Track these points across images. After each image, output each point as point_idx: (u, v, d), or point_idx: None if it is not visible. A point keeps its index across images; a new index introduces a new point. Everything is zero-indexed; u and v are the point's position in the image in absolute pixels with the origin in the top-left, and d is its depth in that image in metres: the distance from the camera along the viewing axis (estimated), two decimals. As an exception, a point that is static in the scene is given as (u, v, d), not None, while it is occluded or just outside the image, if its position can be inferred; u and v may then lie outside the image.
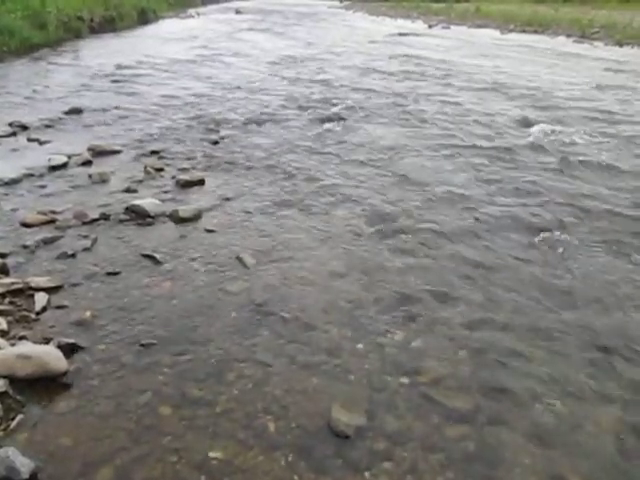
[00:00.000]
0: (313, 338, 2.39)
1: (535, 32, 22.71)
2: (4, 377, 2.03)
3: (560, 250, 3.29)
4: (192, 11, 30.13)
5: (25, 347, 2.19)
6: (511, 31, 23.47)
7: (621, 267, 3.13)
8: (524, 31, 23.27)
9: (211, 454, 1.80)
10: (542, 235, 3.46)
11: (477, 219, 3.67)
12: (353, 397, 2.07)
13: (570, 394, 2.14)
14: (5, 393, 1.98)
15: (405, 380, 2.18)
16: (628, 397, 2.14)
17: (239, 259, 3.02)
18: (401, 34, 19.60)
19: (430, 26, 25.70)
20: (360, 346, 2.36)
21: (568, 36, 20.91)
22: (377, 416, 1.99)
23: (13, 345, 2.23)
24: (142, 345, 2.29)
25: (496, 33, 22.63)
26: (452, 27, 25.50)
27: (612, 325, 2.57)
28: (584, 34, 20.70)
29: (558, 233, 3.48)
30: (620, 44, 18.02)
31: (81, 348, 2.26)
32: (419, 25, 26.76)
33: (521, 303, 2.73)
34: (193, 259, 3.02)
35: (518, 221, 3.66)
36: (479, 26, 26.32)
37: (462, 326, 2.52)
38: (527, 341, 2.45)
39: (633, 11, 25.67)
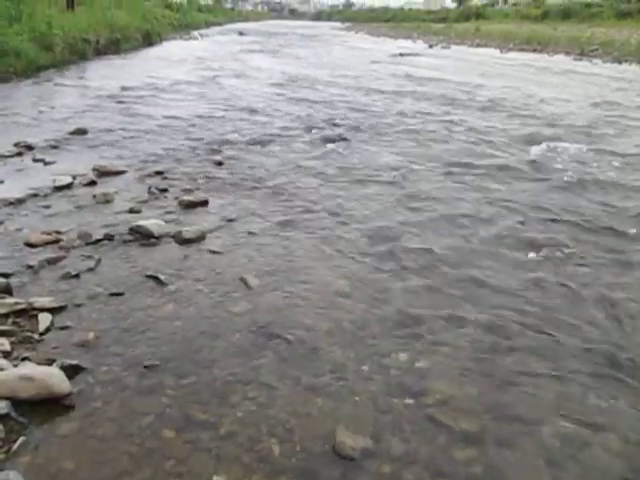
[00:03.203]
0: (317, 359, 2.38)
1: (534, 50, 23.00)
2: (7, 399, 2.02)
3: (565, 269, 3.28)
4: (195, 33, 30.60)
5: (28, 368, 2.17)
6: (510, 50, 23.77)
7: (627, 285, 3.11)
8: (523, 50, 23.57)
9: (215, 478, 1.77)
10: (547, 254, 3.45)
11: (481, 239, 3.67)
12: (358, 419, 2.05)
13: (579, 415, 2.12)
14: (7, 415, 1.97)
15: (410, 401, 2.16)
16: (638, 418, 2.11)
17: (243, 280, 3.01)
18: (402, 54, 19.84)
19: (431, 46, 26.07)
20: (365, 367, 2.34)
21: (567, 54, 21.16)
22: (383, 438, 1.97)
23: (16, 366, 2.22)
24: (145, 367, 2.28)
25: (496, 52, 22.91)
26: (452, 47, 25.84)
27: (621, 344, 2.55)
28: (583, 52, 20.94)
29: (563, 252, 3.47)
30: (619, 61, 18.21)
31: (84, 369, 2.24)
32: (420, 45, 27.12)
33: (527, 323, 2.71)
34: (197, 280, 3.02)
35: (523, 240, 3.66)
36: (479, 45, 26.69)
37: (467, 347, 2.51)
38: (534, 362, 2.42)
39: (630, 28, 25.95)
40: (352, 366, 2.35)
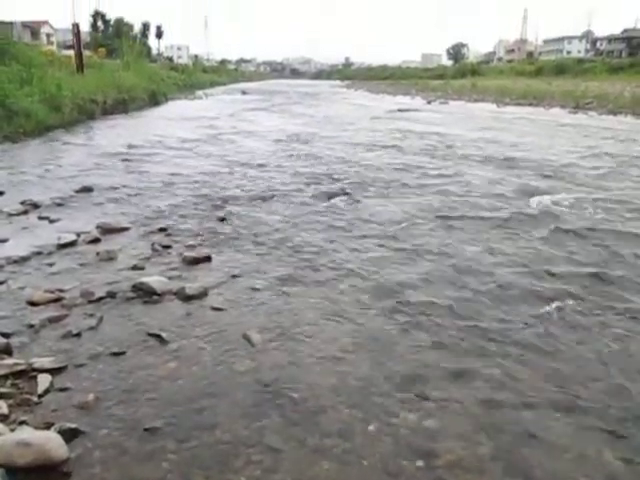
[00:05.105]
0: (323, 420, 2.31)
1: (530, 104, 23.61)
2: (1, 466, 1.95)
3: (573, 320, 3.23)
4: (200, 93, 31.60)
5: (25, 433, 2.12)
6: (507, 104, 24.41)
7: (636, 334, 3.06)
8: (519, 104, 24.21)
9: None
10: (554, 305, 3.41)
11: (487, 292, 3.63)
12: (367, 484, 1.97)
13: (598, 475, 2.03)
14: (2, 484, 1.90)
15: (420, 463, 2.08)
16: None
17: (246, 337, 2.96)
18: (401, 110, 20.36)
19: (429, 102, 26.80)
20: (372, 428, 2.27)
21: (562, 107, 21.71)
22: (393, 505, 1.88)
23: (13, 430, 2.16)
24: (146, 429, 2.21)
25: (493, 107, 23.51)
26: (450, 102, 26.56)
27: (637, 400, 2.47)
28: (578, 105, 21.50)
29: (572, 304, 3.43)
30: (614, 113, 18.65)
31: (83, 433, 2.18)
32: (418, 101, 27.87)
33: (538, 377, 2.64)
34: (199, 338, 2.97)
35: (528, 292, 3.62)
36: (476, 100, 27.43)
37: (477, 404, 2.43)
38: (547, 418, 2.35)
39: (622, 82, 26.71)
40: (359, 426, 2.28)
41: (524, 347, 2.92)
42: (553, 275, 3.90)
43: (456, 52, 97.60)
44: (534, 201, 5.99)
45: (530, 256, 4.29)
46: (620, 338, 3.03)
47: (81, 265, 3.99)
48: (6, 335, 2.90)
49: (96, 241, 4.52)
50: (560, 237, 4.78)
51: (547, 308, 3.38)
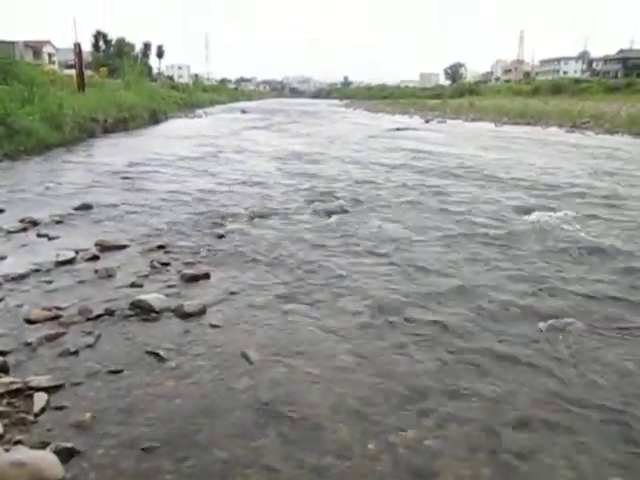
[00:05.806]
0: (322, 439, 2.29)
1: (528, 124, 23.78)
2: (-4, 486, 1.93)
3: (571, 338, 3.22)
4: (200, 111, 31.88)
5: (20, 453, 2.10)
6: (505, 123, 24.58)
7: (635, 353, 3.05)
8: (517, 123, 24.39)
9: None
10: (551, 323, 3.40)
11: (485, 309, 3.62)
12: (365, 504, 1.95)
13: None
14: (-4, 505, 1.88)
15: (420, 484, 2.06)
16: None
17: (244, 355, 2.95)
18: (399, 129, 20.50)
19: (427, 121, 26.98)
20: (371, 446, 2.25)
21: (560, 126, 21.86)
22: (392, 526, 1.86)
23: (8, 450, 2.14)
24: (143, 449, 2.19)
25: (490, 126, 23.67)
26: (448, 121, 26.74)
27: (637, 417, 2.45)
28: (575, 124, 21.67)
29: (567, 320, 3.42)
30: (611, 132, 18.79)
31: (79, 453, 2.16)
32: (416, 120, 28.08)
33: (537, 395, 2.63)
34: (197, 355, 2.96)
35: (526, 310, 3.61)
36: (474, 120, 27.63)
37: (477, 423, 2.41)
38: (548, 437, 2.33)
39: (618, 102, 26.94)
40: (358, 445, 2.26)
41: (523, 365, 2.91)
42: (550, 293, 3.89)
43: (454, 72, 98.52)
44: (531, 218, 6.00)
45: (530, 274, 4.29)
46: (620, 358, 3.01)
47: (79, 282, 3.98)
48: (3, 353, 2.88)
49: (95, 258, 4.52)
50: (557, 255, 4.78)
51: (547, 326, 3.37)
